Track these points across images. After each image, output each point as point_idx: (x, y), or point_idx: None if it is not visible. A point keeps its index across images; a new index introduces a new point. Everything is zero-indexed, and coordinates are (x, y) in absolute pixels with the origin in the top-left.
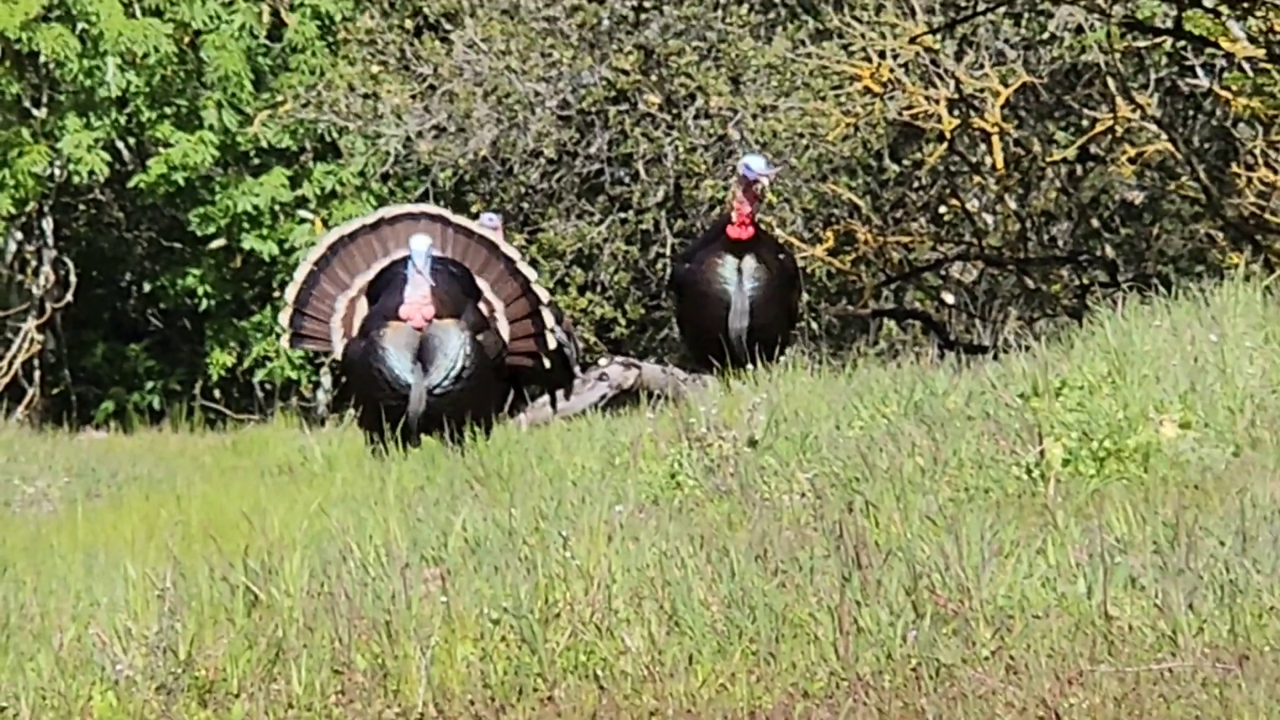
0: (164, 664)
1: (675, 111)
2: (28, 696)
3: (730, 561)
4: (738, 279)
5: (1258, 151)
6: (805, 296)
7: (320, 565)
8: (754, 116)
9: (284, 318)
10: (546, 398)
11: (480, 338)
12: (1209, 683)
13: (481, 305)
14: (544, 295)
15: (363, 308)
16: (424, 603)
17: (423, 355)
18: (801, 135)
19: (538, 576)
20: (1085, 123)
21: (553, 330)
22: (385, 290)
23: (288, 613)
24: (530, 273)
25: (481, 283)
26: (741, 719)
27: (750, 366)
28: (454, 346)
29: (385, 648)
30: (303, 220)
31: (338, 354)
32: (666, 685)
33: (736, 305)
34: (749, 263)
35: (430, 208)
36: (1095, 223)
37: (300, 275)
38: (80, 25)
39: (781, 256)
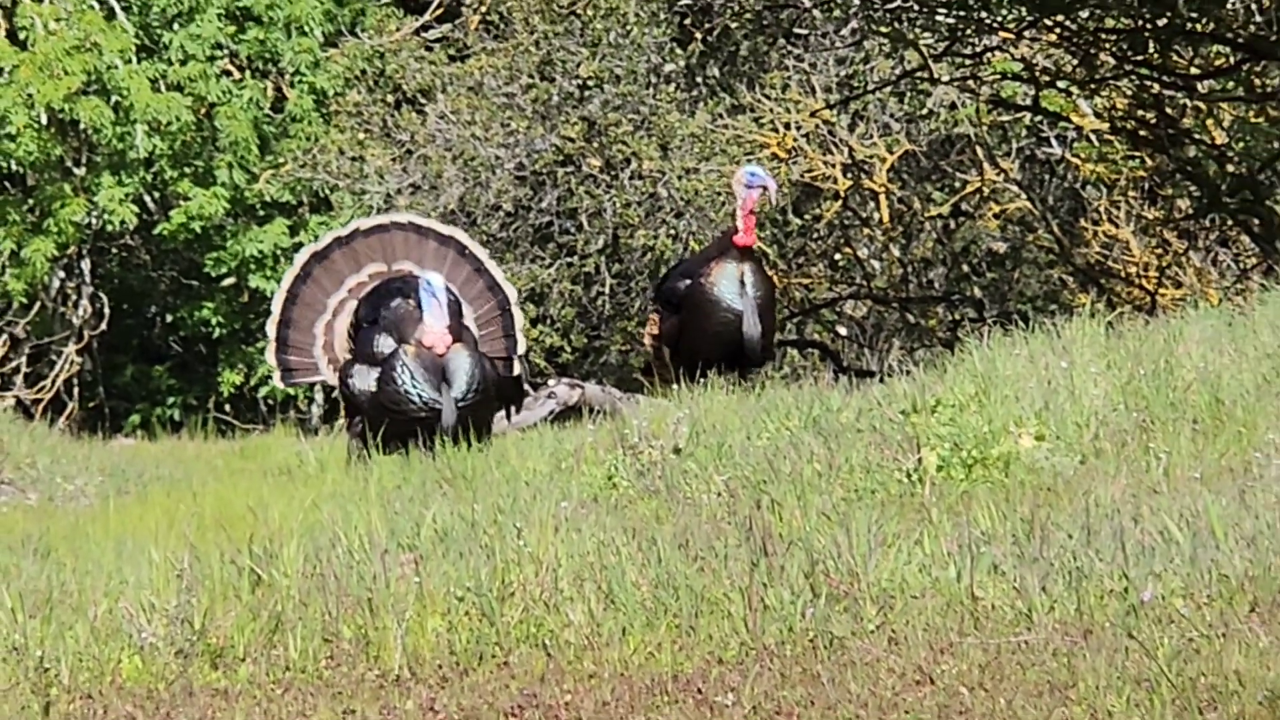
0: (181, 633)
1: (613, 173)
2: (67, 659)
3: (658, 550)
4: (740, 288)
5: (1102, 209)
6: None
7: (313, 551)
8: (679, 178)
9: (270, 356)
10: (503, 412)
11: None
12: (1059, 653)
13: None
14: (519, 318)
15: (342, 326)
16: (400, 583)
17: (444, 376)
18: (719, 194)
19: (496, 561)
20: (957, 184)
21: (520, 356)
22: (383, 309)
23: (285, 590)
24: (511, 292)
25: (465, 306)
26: (666, 682)
27: (765, 369)
28: (468, 368)
29: (367, 620)
30: None
31: (329, 379)
32: (603, 653)
33: (748, 313)
34: (749, 272)
35: (399, 216)
36: (965, 268)
37: (276, 309)
38: (114, 98)
39: (766, 268)
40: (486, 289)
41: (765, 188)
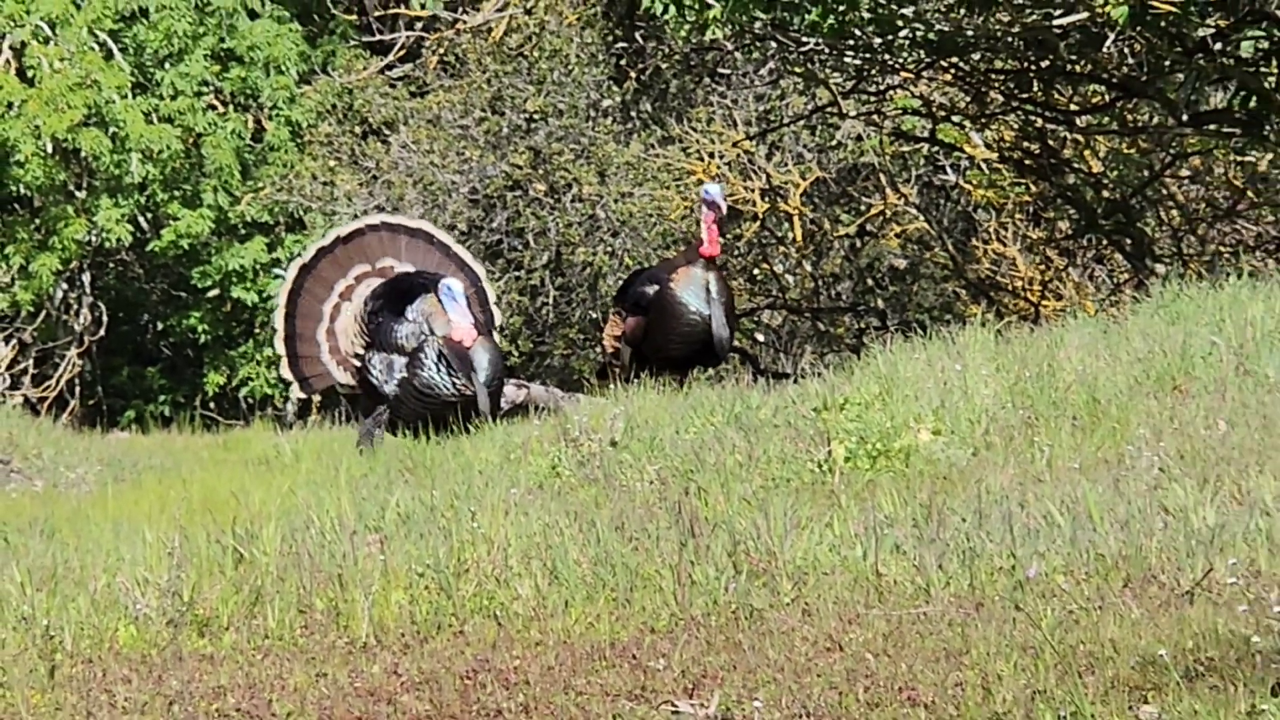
0: (172, 604)
1: (556, 197)
2: (70, 628)
3: (596, 531)
4: (706, 294)
5: (991, 230)
6: None
7: (289, 532)
8: (615, 201)
9: (285, 371)
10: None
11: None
12: (954, 623)
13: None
14: (491, 293)
15: (342, 326)
16: (367, 560)
17: (471, 365)
18: (651, 215)
19: (452, 541)
20: (863, 207)
21: (499, 328)
22: (406, 303)
23: (265, 567)
24: (480, 269)
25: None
26: (604, 648)
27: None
28: (492, 357)
29: (338, 593)
30: (277, 276)
31: (341, 379)
32: (549, 623)
33: (717, 316)
34: (714, 279)
35: (371, 219)
36: (870, 282)
37: (279, 325)
38: (111, 129)
39: (726, 275)
40: (458, 270)
41: (715, 201)
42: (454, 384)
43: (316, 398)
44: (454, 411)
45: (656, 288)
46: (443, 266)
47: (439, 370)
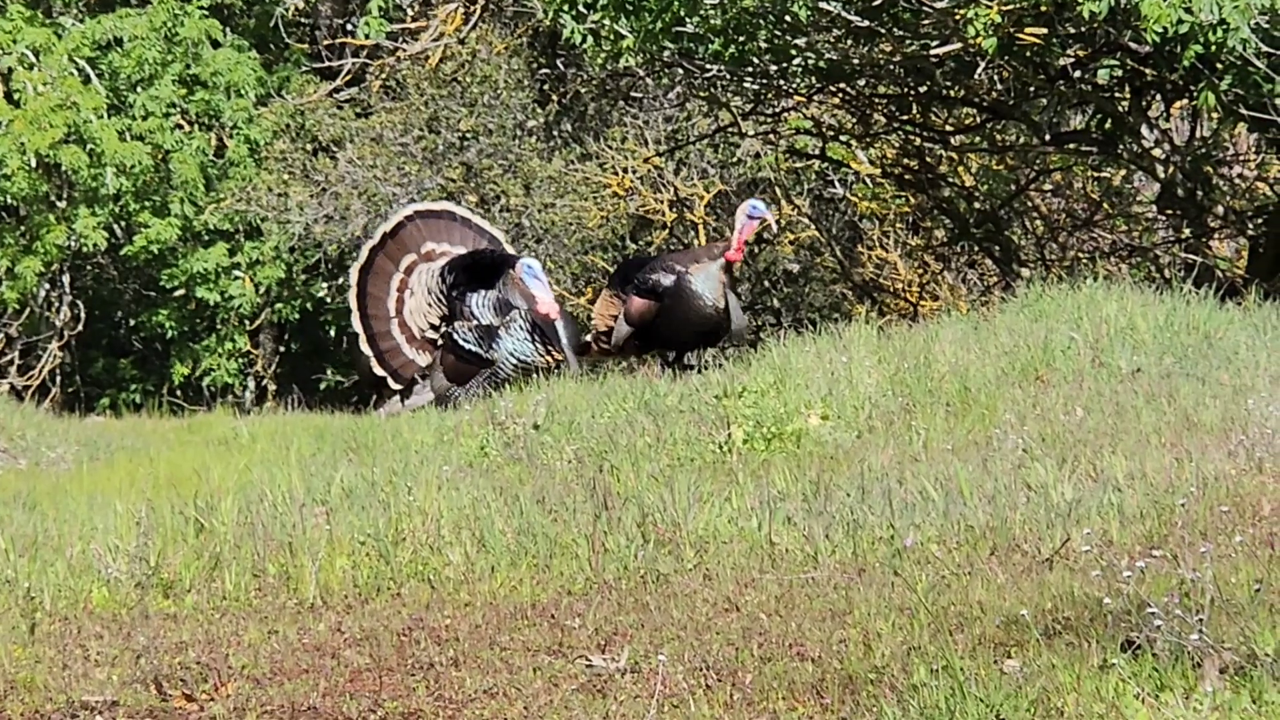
0: (139, 569)
1: (486, 207)
2: (49, 590)
3: (520, 505)
4: (721, 288)
5: (875, 237)
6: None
7: (245, 504)
8: (539, 211)
9: (376, 369)
10: (398, 398)
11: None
12: (839, 587)
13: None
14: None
15: (409, 310)
16: (314, 530)
17: (556, 334)
18: (571, 224)
19: (391, 513)
20: None
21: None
22: (485, 279)
23: (223, 536)
24: (499, 233)
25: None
26: (526, 609)
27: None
28: (572, 327)
29: (288, 559)
30: (236, 278)
31: (420, 361)
32: (477, 586)
33: (734, 311)
34: (727, 280)
35: (405, 211)
36: (766, 284)
37: (360, 328)
38: (89, 146)
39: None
40: (478, 238)
41: (765, 219)
42: (547, 351)
43: (271, 385)
44: (542, 372)
45: (674, 278)
46: (472, 240)
47: (532, 340)
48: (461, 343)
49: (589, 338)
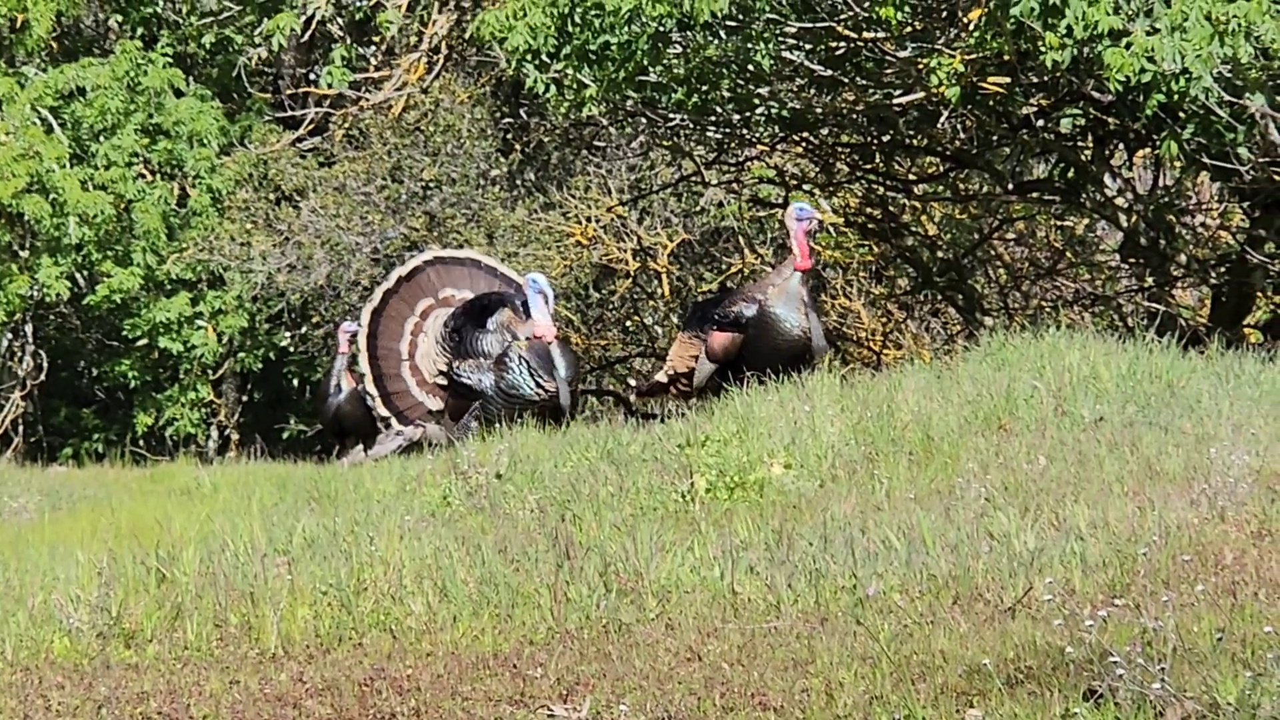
0: (101, 619)
1: None
2: (10, 640)
3: (482, 554)
4: (802, 307)
5: (839, 285)
6: None
7: (207, 554)
8: (502, 260)
9: (380, 409)
10: (360, 447)
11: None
12: (801, 636)
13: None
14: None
15: (422, 354)
16: (276, 580)
17: (551, 362)
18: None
19: (353, 563)
20: (724, 265)
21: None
22: (485, 316)
23: (185, 585)
24: (515, 276)
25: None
26: (488, 659)
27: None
28: (569, 356)
29: (250, 609)
30: (199, 328)
31: (429, 404)
32: (439, 636)
33: (815, 328)
34: (805, 292)
35: (424, 256)
36: None
37: (367, 369)
38: (51, 195)
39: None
40: (504, 286)
41: (814, 218)
42: (537, 384)
43: (235, 435)
44: (535, 410)
45: (755, 306)
46: (493, 286)
47: (522, 373)
48: (456, 377)
49: (663, 378)
